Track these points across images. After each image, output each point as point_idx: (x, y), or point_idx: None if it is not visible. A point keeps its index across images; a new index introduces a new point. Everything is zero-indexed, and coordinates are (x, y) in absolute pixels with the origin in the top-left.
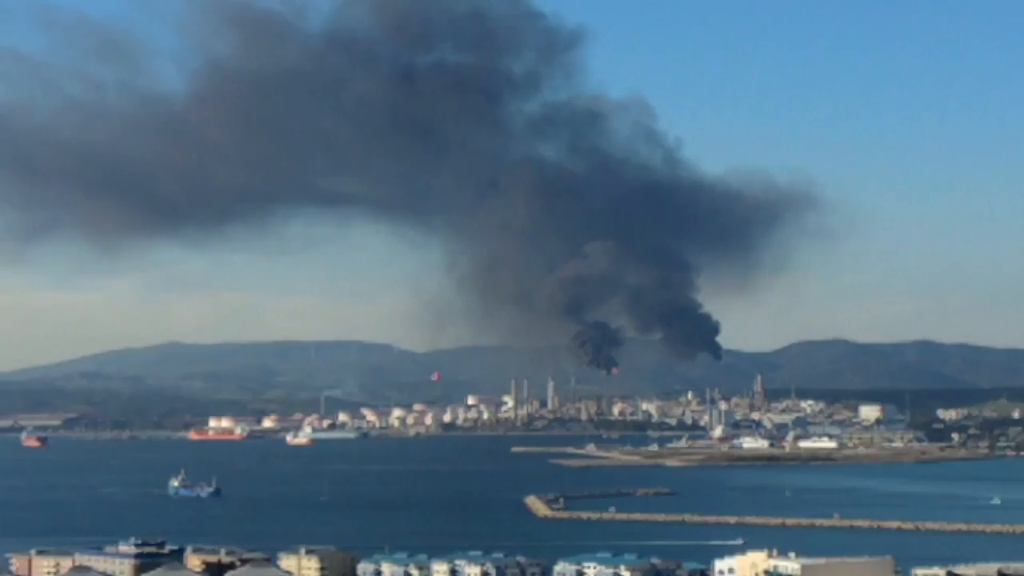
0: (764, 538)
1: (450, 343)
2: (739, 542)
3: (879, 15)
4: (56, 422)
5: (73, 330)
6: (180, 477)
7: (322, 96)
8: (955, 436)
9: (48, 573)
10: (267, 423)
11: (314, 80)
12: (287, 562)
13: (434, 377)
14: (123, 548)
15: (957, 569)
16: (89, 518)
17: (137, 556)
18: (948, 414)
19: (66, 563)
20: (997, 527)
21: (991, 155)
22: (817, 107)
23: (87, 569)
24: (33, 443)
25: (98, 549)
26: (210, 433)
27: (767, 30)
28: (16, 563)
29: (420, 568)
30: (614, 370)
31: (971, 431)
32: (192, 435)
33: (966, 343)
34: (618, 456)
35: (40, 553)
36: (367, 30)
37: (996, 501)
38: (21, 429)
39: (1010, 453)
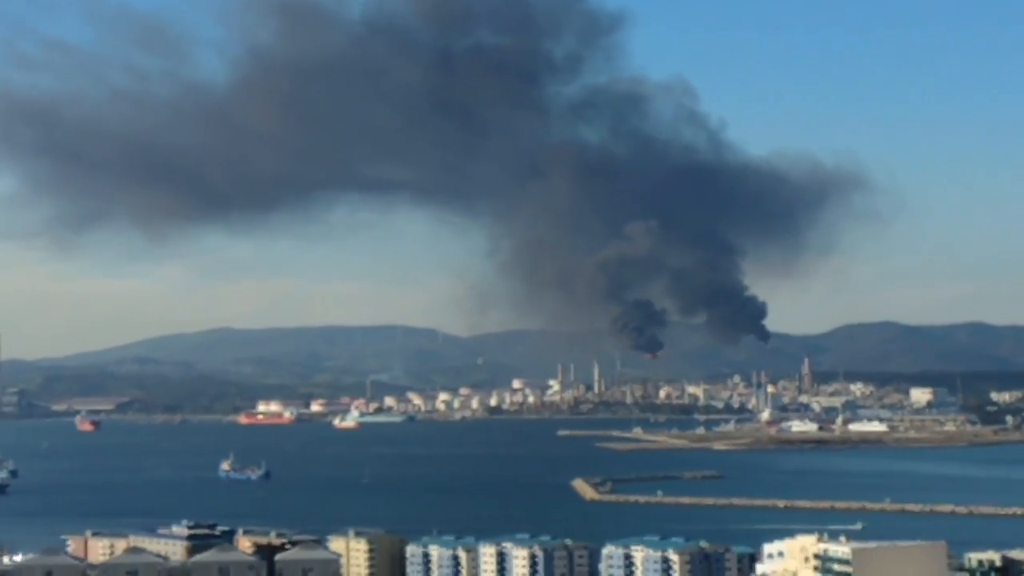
0: (815, 521)
1: (494, 327)
2: (858, 527)
3: None
4: (109, 406)
5: (124, 316)
6: (230, 460)
7: (363, 83)
8: (1009, 419)
9: (103, 554)
10: (315, 407)
11: (355, 67)
12: (336, 544)
13: (479, 361)
14: (175, 530)
15: (1012, 554)
16: (142, 500)
17: (189, 538)
18: (1001, 396)
19: (120, 544)
20: None
21: None
22: (864, 87)
23: (141, 550)
24: (87, 427)
25: (151, 531)
26: (259, 417)
27: (812, 9)
28: (72, 544)
29: (468, 551)
30: (659, 354)
31: None
32: (242, 419)
33: (1018, 325)
34: (665, 439)
35: (95, 534)
36: (406, 16)
37: None
38: (75, 413)
39: None
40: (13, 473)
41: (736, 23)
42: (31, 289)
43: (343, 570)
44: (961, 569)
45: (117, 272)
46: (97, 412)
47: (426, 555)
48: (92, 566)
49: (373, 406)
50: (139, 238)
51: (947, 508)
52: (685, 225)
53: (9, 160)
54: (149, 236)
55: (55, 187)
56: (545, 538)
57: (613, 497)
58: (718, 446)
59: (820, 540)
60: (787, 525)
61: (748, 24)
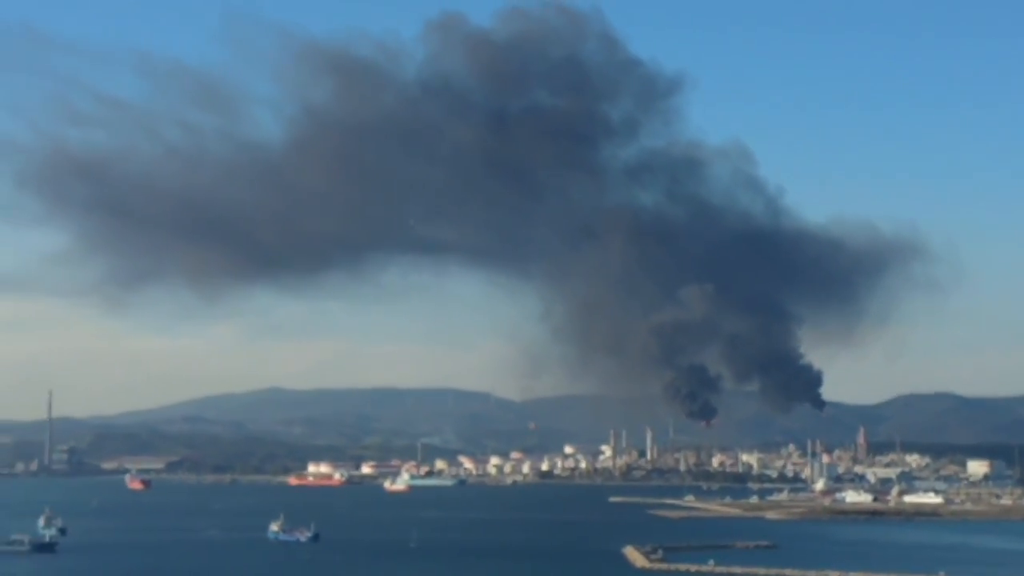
0: None
1: (547, 391)
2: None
3: (987, 65)
4: (159, 465)
5: (175, 375)
6: (279, 522)
7: (417, 143)
8: None
9: None
10: (365, 469)
11: (409, 127)
12: None
13: (531, 426)
14: None
15: None
16: (190, 560)
17: None
18: None
19: None
20: None
21: None
22: (923, 155)
23: None
24: (137, 486)
25: None
26: (309, 478)
27: (874, 78)
28: None
29: None
30: (713, 421)
31: None
32: (292, 480)
33: None
34: (717, 508)
35: None
36: (461, 76)
37: None
38: (125, 472)
39: None
40: (62, 531)
41: (796, 90)
42: (82, 347)
43: None
44: None
45: (168, 331)
46: (147, 471)
47: None
48: None
49: (424, 469)
50: (191, 297)
51: None
52: (741, 290)
53: (62, 217)
54: (201, 295)
55: (107, 245)
56: None
57: (664, 566)
58: (771, 515)
59: None
60: None
61: (808, 91)
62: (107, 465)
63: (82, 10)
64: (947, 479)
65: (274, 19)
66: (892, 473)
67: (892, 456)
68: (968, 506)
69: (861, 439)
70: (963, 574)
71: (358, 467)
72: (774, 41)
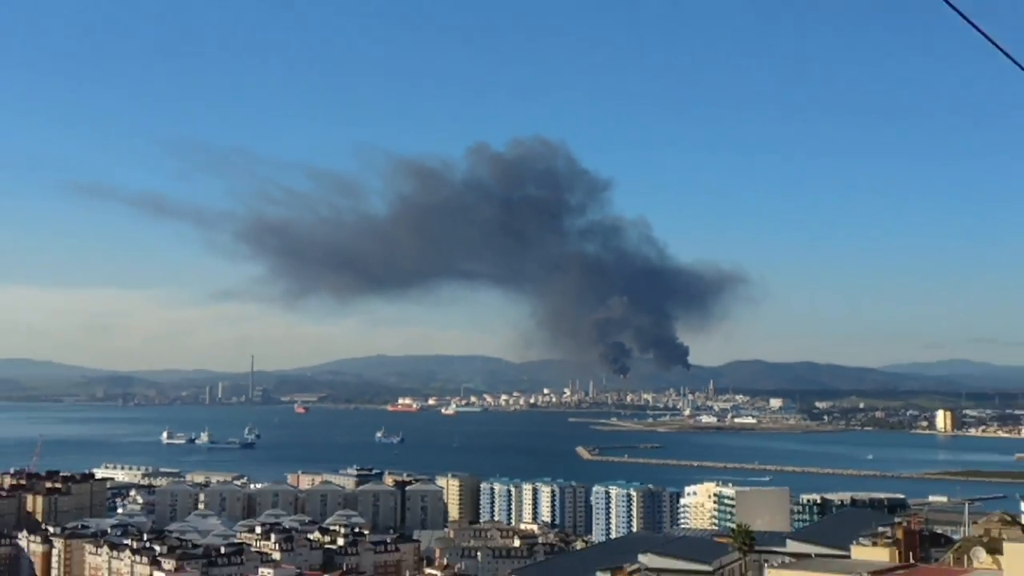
0: (715, 475)
1: (533, 357)
2: (767, 478)
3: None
4: (313, 399)
5: (322, 347)
6: (382, 431)
7: (460, 215)
8: (825, 418)
9: (308, 483)
10: (430, 402)
11: (456, 206)
12: (441, 481)
13: (524, 377)
14: (349, 471)
15: (827, 495)
16: (330, 453)
17: (357, 476)
18: (822, 405)
19: (318, 478)
20: (854, 471)
21: (851, 247)
22: (745, 221)
23: (328, 482)
24: (300, 411)
25: (335, 471)
26: (399, 407)
27: (716, 183)
28: (290, 478)
29: (516, 487)
30: (627, 375)
31: (835, 415)
32: (389, 408)
33: (833, 363)
34: (630, 425)
35: (303, 472)
36: (486, 178)
37: (870, 457)
38: (294, 403)
39: (858, 428)
40: (258, 436)
41: (673, 185)
42: (271, 331)
43: (445, 497)
44: (797, 504)
45: (320, 321)
46: (307, 403)
47: (491, 489)
48: (300, 491)
49: (463, 402)
50: (333, 302)
51: (790, 468)
52: (643, 302)
53: (260, 256)
54: (339, 301)
55: (287, 273)
56: (560, 480)
57: (600, 458)
58: (661, 429)
59: (717, 485)
60: (700, 477)
61: (680, 185)
62: (284, 399)
63: (274, 136)
64: (759, 409)
65: (382, 144)
66: (727, 406)
67: (728, 396)
68: (770, 425)
69: (711, 386)
70: (768, 463)
71: (426, 401)
72: (666, 158)
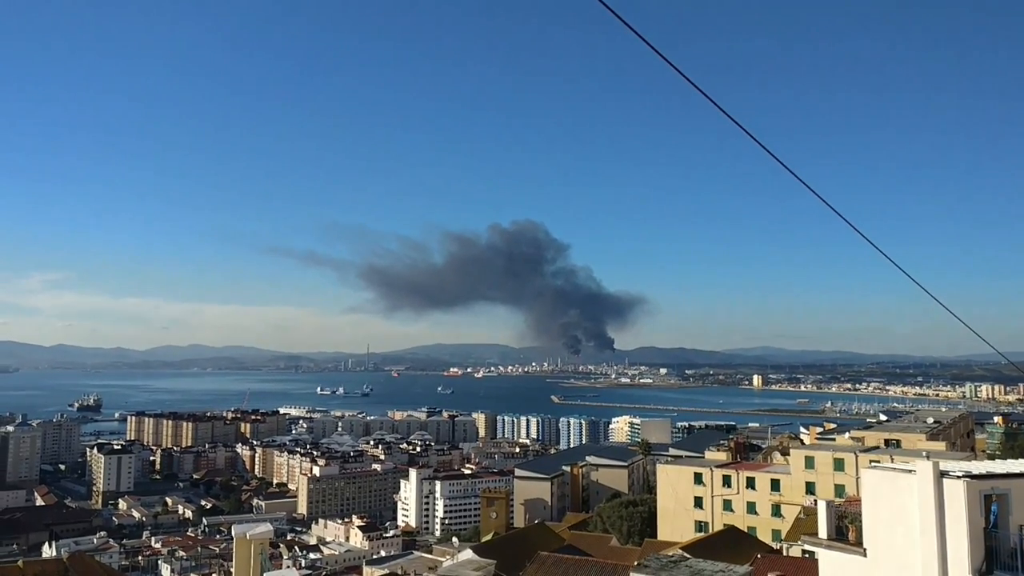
0: (629, 412)
1: (527, 344)
2: (675, 413)
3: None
4: (403, 368)
5: (407, 339)
6: (440, 387)
7: (485, 266)
8: (691, 380)
9: (400, 416)
10: (468, 370)
11: (482, 260)
12: (474, 415)
13: (520, 355)
14: (422, 409)
15: (693, 423)
16: (410, 399)
17: (427, 412)
18: (690, 372)
19: (403, 415)
20: (707, 410)
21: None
22: (651, 263)
23: (411, 415)
24: (395, 375)
25: (415, 409)
26: (450, 373)
27: (635, 244)
28: (390, 414)
29: (516, 418)
30: (579, 355)
31: (697, 378)
32: (444, 374)
33: (696, 348)
34: (581, 384)
35: (397, 410)
36: (498, 244)
37: (721, 401)
38: (391, 371)
39: (710, 386)
40: (371, 390)
41: (606, 242)
42: (377, 330)
43: (476, 424)
44: (675, 428)
45: (406, 324)
46: (399, 371)
47: (503, 419)
48: (395, 420)
49: (487, 370)
50: (412, 313)
51: (671, 408)
52: (588, 313)
53: (371, 287)
54: (415, 313)
55: (387, 296)
56: (542, 414)
57: (564, 403)
58: (598, 386)
59: (630, 418)
60: (621, 413)
61: (612, 238)
62: (386, 368)
63: (378, 216)
64: (653, 375)
65: (439, 221)
66: (636, 372)
67: (636, 367)
68: (660, 384)
69: (626, 362)
70: (658, 405)
71: (466, 369)
72: (603, 229)
